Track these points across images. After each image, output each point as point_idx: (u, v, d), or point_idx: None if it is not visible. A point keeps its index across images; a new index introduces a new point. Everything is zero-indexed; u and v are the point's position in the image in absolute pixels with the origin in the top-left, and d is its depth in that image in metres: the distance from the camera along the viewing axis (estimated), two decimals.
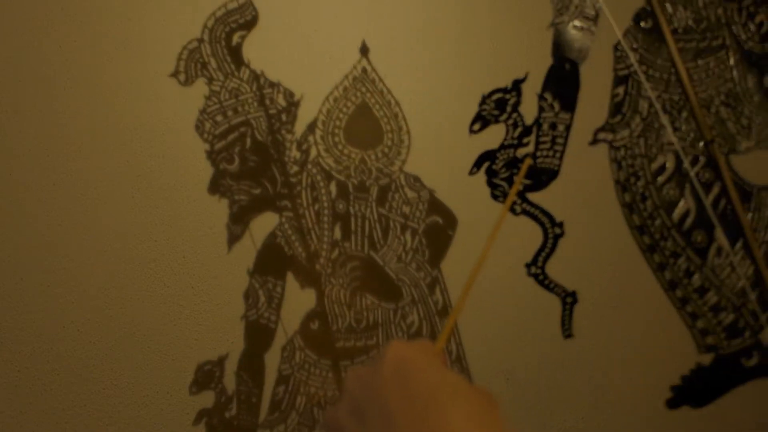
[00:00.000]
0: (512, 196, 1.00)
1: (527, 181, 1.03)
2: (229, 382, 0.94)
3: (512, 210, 1.03)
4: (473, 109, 1.05)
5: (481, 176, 1.05)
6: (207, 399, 0.93)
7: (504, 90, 1.03)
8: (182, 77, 0.95)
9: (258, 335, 0.96)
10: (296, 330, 0.98)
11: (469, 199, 1.04)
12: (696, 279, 1.04)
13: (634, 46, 1.04)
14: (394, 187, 1.00)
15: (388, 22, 1.10)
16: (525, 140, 1.02)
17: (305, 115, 1.00)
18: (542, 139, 1.03)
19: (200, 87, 0.96)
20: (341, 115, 0.99)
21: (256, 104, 0.96)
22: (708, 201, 1.03)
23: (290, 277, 0.97)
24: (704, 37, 1.04)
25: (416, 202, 1.00)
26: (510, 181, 1.01)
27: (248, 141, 0.95)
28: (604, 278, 1.08)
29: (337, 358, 0.98)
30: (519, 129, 1.02)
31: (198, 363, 0.93)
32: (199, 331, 0.96)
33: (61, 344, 0.90)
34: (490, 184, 1.02)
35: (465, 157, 1.06)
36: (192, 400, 0.94)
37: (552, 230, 1.03)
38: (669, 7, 1.05)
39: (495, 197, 1.01)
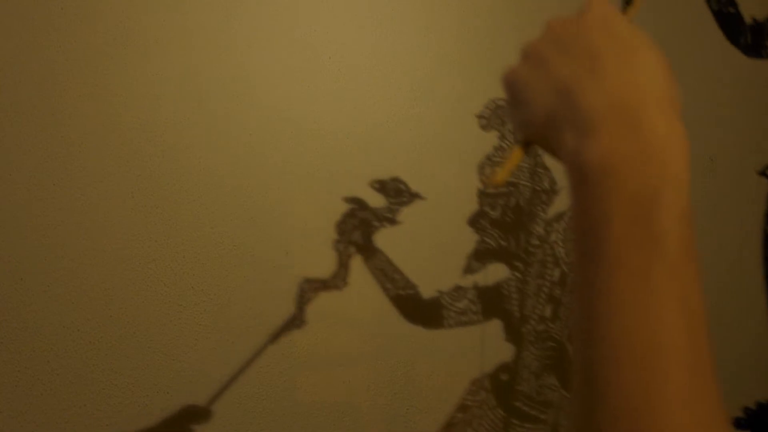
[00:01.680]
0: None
1: None
2: None
3: None
4: None
5: None
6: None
7: None
8: (483, 122, 1.11)
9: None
10: (488, 373, 1.12)
11: None
12: None
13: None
14: None
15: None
16: None
17: (559, 204, 1.14)
18: None
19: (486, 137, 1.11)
20: None
21: (528, 175, 1.12)
22: None
23: (498, 326, 1.12)
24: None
25: None
26: None
27: (512, 200, 1.11)
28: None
29: (510, 414, 1.13)
30: None
31: (394, 176, 1.04)
32: (199, 331, 0.96)
33: (61, 344, 0.90)
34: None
35: None
36: (192, 399, 0.94)
37: None
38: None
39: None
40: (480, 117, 1.09)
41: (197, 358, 0.95)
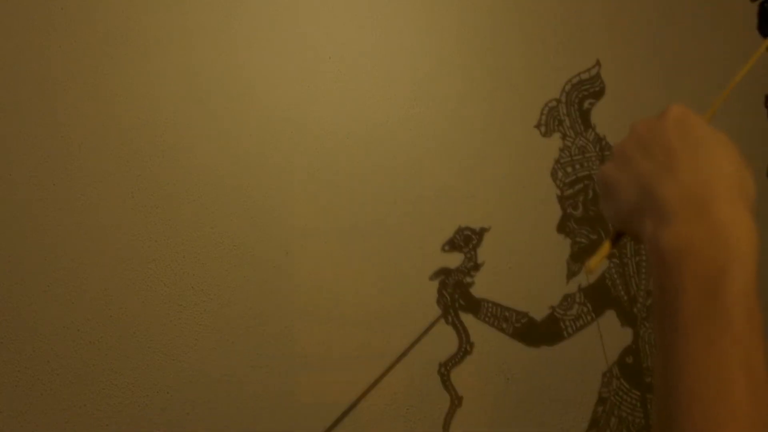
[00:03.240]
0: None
1: None
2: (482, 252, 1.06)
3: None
4: None
5: None
6: (452, 259, 0.99)
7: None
8: (543, 129, 1.12)
9: (550, 325, 1.13)
10: (614, 361, 1.15)
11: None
12: None
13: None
14: None
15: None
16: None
17: None
18: None
19: (551, 140, 1.14)
20: None
21: (598, 162, 1.15)
22: None
23: (612, 315, 1.15)
24: None
25: None
26: None
27: (590, 193, 1.13)
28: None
29: (645, 391, 1.17)
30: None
31: (459, 226, 1.09)
32: (199, 331, 0.96)
33: (61, 344, 0.90)
34: None
35: None
36: (192, 399, 0.94)
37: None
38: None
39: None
40: (538, 125, 1.12)
41: (197, 358, 0.95)
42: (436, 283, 1.09)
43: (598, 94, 1.15)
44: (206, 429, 0.95)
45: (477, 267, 1.09)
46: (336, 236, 1.05)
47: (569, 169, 1.12)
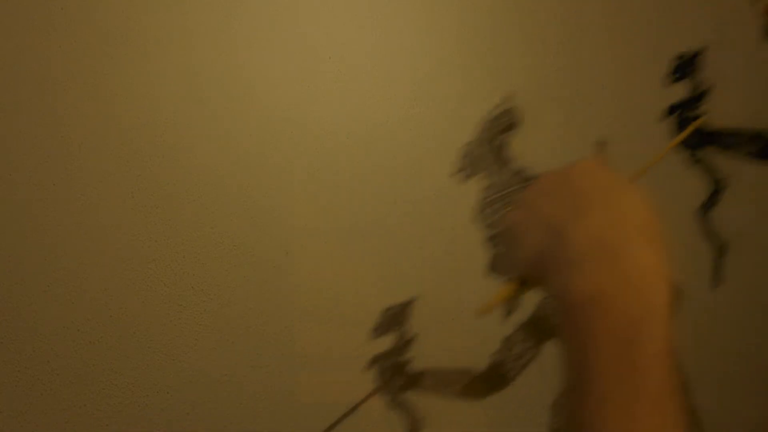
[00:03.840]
0: (679, 139, 1.19)
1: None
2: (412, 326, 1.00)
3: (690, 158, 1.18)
4: None
5: None
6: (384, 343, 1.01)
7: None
8: (465, 174, 1.11)
9: (491, 374, 1.11)
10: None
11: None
12: None
13: None
14: None
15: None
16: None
17: None
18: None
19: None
20: None
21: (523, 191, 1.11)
22: None
23: (546, 347, 1.14)
24: None
25: None
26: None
27: None
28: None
29: None
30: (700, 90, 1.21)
31: (383, 307, 1.04)
32: (199, 331, 0.96)
33: (61, 344, 0.90)
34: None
35: None
36: (192, 399, 0.94)
37: (719, 182, 1.19)
38: None
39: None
40: (459, 172, 1.09)
41: (197, 358, 0.95)
42: (437, 283, 1.09)
43: (511, 127, 1.13)
44: (206, 429, 0.95)
45: (410, 342, 1.05)
46: (336, 236, 1.05)
47: (497, 206, 1.11)
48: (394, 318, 1.05)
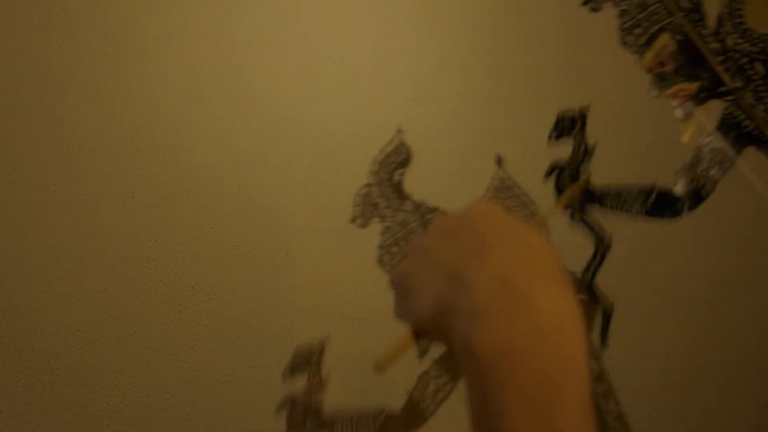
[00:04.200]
0: (564, 199, 1.14)
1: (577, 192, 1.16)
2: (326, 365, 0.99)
3: (569, 219, 1.14)
4: None
5: None
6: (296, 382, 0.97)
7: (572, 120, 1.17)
8: (360, 222, 1.06)
9: (411, 415, 1.06)
10: None
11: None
12: None
13: None
14: None
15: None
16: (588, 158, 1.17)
17: None
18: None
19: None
20: None
21: (421, 231, 1.08)
22: None
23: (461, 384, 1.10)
24: None
25: None
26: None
27: None
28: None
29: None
30: (583, 150, 1.16)
31: (296, 346, 0.99)
32: (199, 331, 0.96)
33: (61, 344, 0.90)
34: (558, 189, 1.15)
35: None
36: (192, 399, 0.94)
37: (603, 244, 1.14)
38: None
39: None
40: (354, 220, 1.06)
41: (197, 358, 0.95)
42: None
43: (406, 162, 1.09)
44: (206, 429, 0.95)
45: (323, 383, 1.01)
46: (336, 236, 1.05)
47: (394, 250, 1.06)
48: (308, 356, 1.00)
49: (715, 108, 1.19)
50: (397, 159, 1.08)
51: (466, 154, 1.12)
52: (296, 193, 1.03)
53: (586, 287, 1.13)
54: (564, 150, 1.15)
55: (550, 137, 1.13)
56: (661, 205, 1.15)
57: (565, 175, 1.14)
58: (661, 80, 1.19)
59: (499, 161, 1.11)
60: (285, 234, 1.02)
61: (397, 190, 1.08)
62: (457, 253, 0.33)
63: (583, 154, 1.14)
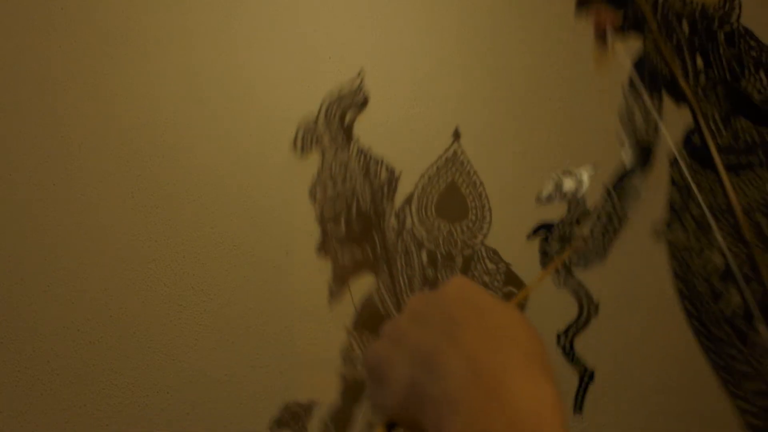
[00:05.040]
0: (553, 266, 1.12)
1: (574, 258, 1.12)
2: (312, 426, 0.98)
3: (556, 280, 1.12)
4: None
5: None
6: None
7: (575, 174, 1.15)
8: (299, 150, 1.05)
9: (353, 392, 1.02)
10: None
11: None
12: (740, 364, 1.12)
13: (686, 158, 1.16)
14: (477, 257, 1.09)
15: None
16: (582, 220, 1.14)
17: (403, 189, 1.09)
18: (597, 226, 1.13)
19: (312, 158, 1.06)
20: (434, 192, 1.10)
21: (362, 176, 1.07)
22: (750, 297, 1.11)
23: None
24: (743, 153, 1.16)
25: (495, 272, 1.10)
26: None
27: (354, 209, 1.06)
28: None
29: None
30: (579, 209, 1.13)
31: (286, 402, 0.97)
32: (199, 331, 0.96)
33: (61, 344, 0.90)
34: (542, 252, 1.12)
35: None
36: (192, 399, 0.94)
37: (588, 307, 1.11)
38: (713, 125, 1.18)
39: (543, 264, 1.12)
40: (294, 145, 1.04)
41: (197, 358, 0.95)
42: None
43: (361, 106, 1.08)
44: (206, 429, 0.95)
45: (586, 214, 1.03)
46: None
47: (329, 187, 1.05)
48: (295, 417, 0.98)
49: (635, 45, 1.20)
50: (354, 100, 1.08)
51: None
52: (296, 193, 1.03)
53: (564, 350, 1.10)
54: (549, 209, 1.14)
55: (539, 199, 1.11)
56: (622, 183, 1.14)
57: (553, 236, 1.12)
58: (584, 2, 1.18)
59: (457, 134, 1.10)
60: (285, 234, 1.02)
61: (346, 131, 1.07)
62: (430, 335, 0.32)
63: (578, 214, 1.12)
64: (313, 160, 1.05)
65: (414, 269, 1.07)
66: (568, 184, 1.12)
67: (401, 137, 1.09)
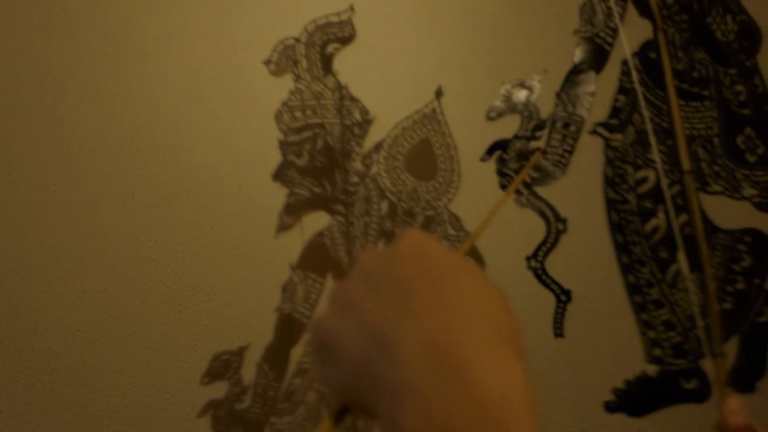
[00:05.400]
0: (516, 184, 1.07)
1: (534, 174, 1.08)
2: (247, 373, 0.94)
3: (518, 201, 1.08)
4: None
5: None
6: (213, 391, 0.93)
7: (523, 83, 1.11)
8: (273, 67, 1.02)
9: (289, 329, 0.99)
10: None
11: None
12: (654, 291, 1.09)
13: (639, 68, 1.13)
14: (438, 220, 1.07)
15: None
16: (538, 134, 1.09)
17: (375, 134, 1.06)
18: (554, 135, 1.09)
19: (287, 81, 1.03)
20: (405, 144, 1.07)
21: (334, 111, 1.04)
22: (676, 224, 1.10)
23: (330, 278, 1.02)
24: (696, 84, 1.15)
25: (454, 239, 1.07)
26: (517, 171, 1.09)
27: (320, 142, 1.03)
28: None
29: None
30: (533, 122, 1.09)
31: (214, 353, 0.94)
32: (199, 331, 0.96)
33: (61, 344, 0.90)
34: (500, 173, 1.08)
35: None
36: (192, 399, 0.94)
37: (555, 225, 1.07)
38: (672, 48, 1.16)
39: (503, 187, 1.08)
40: (268, 62, 1.00)
41: (197, 358, 0.95)
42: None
43: (346, 41, 1.04)
44: (206, 429, 0.95)
45: (541, 125, 1.00)
46: None
47: (298, 114, 1.02)
48: (226, 364, 0.95)
49: None
50: (339, 33, 1.05)
51: (465, 153, 1.12)
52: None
53: (536, 274, 1.06)
54: (505, 125, 1.10)
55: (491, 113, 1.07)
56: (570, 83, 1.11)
57: (510, 153, 1.07)
58: None
59: (439, 92, 1.07)
60: (285, 234, 1.01)
61: (326, 61, 1.05)
62: (383, 305, 0.28)
63: (533, 127, 1.08)
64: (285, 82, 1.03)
65: (371, 217, 1.03)
66: (518, 94, 1.08)
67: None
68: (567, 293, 1.07)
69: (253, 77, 1.03)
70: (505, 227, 1.06)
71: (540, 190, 1.08)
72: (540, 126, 1.08)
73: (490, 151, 1.07)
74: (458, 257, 0.30)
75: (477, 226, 1.03)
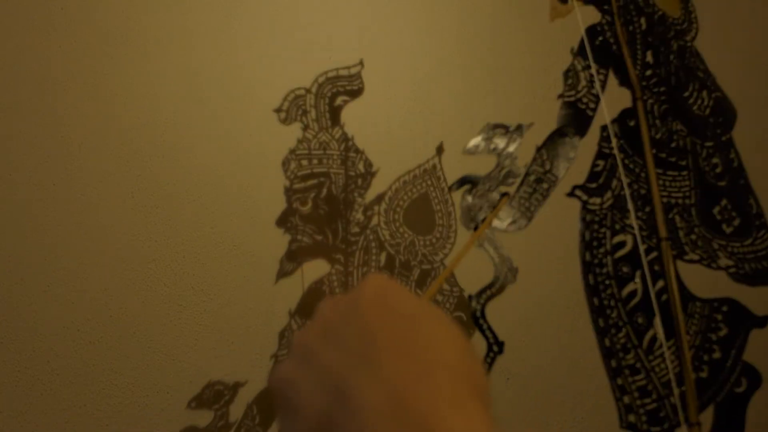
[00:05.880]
0: (484, 228, 1.08)
1: (500, 220, 1.10)
2: (235, 410, 0.95)
3: (478, 239, 1.10)
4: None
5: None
6: (196, 417, 0.93)
7: (507, 128, 1.13)
8: (283, 116, 1.04)
9: None
10: None
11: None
12: (630, 356, 1.10)
13: (618, 135, 1.17)
14: (434, 275, 1.07)
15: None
16: (510, 180, 1.11)
17: (377, 186, 1.08)
18: (524, 187, 1.11)
19: (295, 129, 1.05)
20: (405, 198, 1.08)
21: (339, 162, 1.06)
22: (653, 290, 1.11)
23: None
24: (674, 153, 1.18)
25: (448, 294, 1.08)
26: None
27: (324, 191, 1.05)
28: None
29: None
30: (506, 169, 1.11)
31: (210, 380, 0.94)
32: (199, 331, 0.96)
33: (61, 344, 0.90)
34: (465, 209, 1.10)
35: None
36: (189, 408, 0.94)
37: (505, 273, 1.09)
38: (650, 118, 1.19)
39: (462, 220, 1.10)
40: (278, 111, 1.03)
41: (197, 358, 0.95)
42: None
43: (354, 94, 1.07)
44: (206, 429, 0.95)
45: (228, 426, 0.94)
46: None
47: (304, 162, 1.04)
48: (218, 395, 0.94)
49: (593, 15, 1.21)
50: (348, 86, 1.07)
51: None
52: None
53: (473, 315, 1.06)
54: (477, 163, 1.11)
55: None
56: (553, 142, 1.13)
57: (477, 192, 1.08)
58: None
59: (440, 149, 1.09)
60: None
61: (334, 112, 1.07)
62: (343, 356, 0.27)
63: (506, 174, 1.10)
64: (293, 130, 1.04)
65: (370, 267, 1.05)
66: (499, 137, 1.10)
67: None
68: (500, 344, 1.06)
69: (253, 77, 1.03)
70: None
71: (499, 235, 1.09)
72: (513, 174, 1.11)
73: (460, 184, 1.09)
74: (422, 303, 0.29)
75: (443, 271, 1.04)
